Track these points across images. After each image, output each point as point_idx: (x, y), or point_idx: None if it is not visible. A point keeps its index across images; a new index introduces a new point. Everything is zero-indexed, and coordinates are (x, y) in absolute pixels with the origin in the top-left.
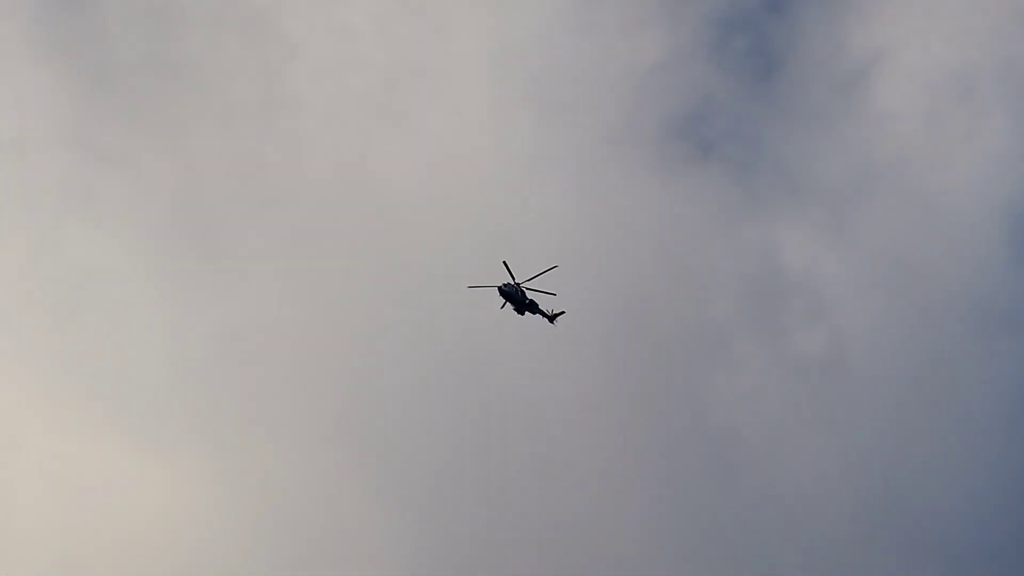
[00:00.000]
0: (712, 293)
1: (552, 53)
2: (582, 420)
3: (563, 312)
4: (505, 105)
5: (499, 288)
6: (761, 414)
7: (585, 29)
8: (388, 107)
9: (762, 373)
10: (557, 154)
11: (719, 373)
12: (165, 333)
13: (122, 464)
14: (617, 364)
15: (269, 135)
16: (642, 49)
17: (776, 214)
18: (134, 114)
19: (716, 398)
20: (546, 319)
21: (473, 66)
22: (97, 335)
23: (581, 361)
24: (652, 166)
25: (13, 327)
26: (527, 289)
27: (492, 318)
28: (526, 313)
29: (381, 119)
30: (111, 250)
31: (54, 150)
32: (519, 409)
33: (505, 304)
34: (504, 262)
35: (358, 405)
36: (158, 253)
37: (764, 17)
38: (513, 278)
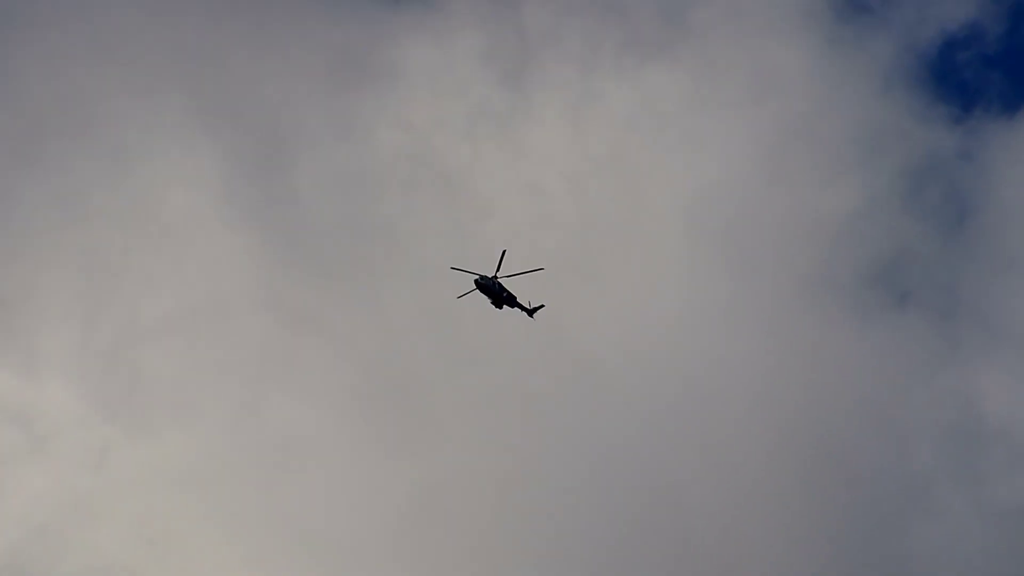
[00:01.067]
0: (911, 441)
1: (746, 203)
2: (779, 565)
3: (542, 306)
4: (699, 256)
5: (475, 282)
6: (962, 564)
7: (778, 178)
8: (581, 262)
9: (963, 522)
10: (752, 304)
11: (919, 522)
12: (366, 492)
13: None
14: (814, 513)
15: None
16: (836, 197)
17: (975, 361)
18: (329, 276)
19: (916, 548)
20: (525, 312)
21: (666, 219)
22: (300, 497)
23: (780, 507)
24: (848, 314)
25: (218, 492)
26: (503, 278)
27: (690, 469)
28: (504, 307)
29: (574, 274)
30: (310, 412)
31: (251, 315)
32: (721, 554)
33: (471, 292)
34: (453, 267)
35: (560, 559)
36: (356, 413)
37: (957, 164)
38: (481, 275)
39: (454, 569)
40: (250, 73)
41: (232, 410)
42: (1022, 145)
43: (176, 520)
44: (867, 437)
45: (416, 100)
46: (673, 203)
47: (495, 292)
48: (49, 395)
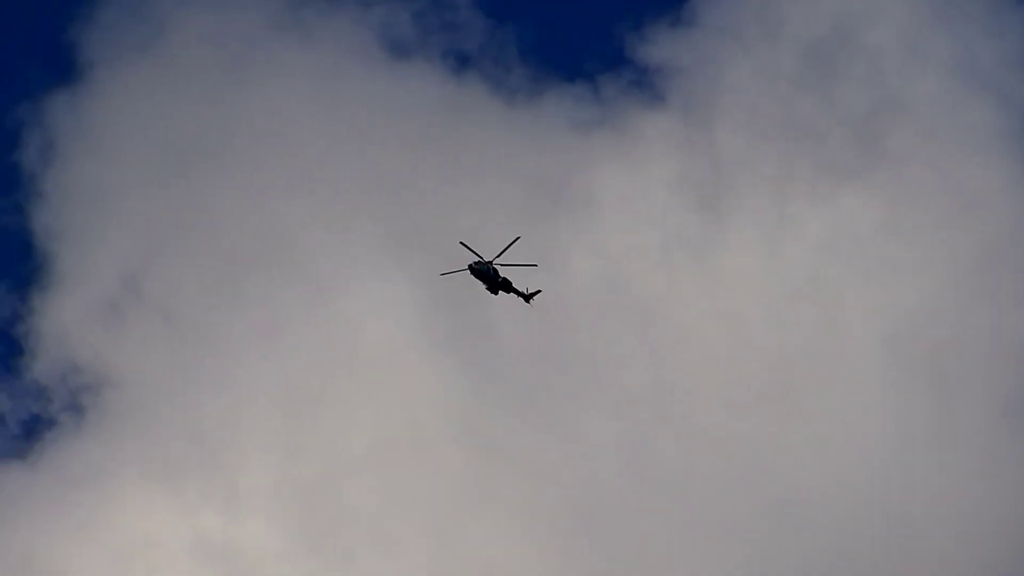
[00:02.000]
0: None
1: (947, 327)
2: None
3: (539, 291)
4: (901, 384)
5: (470, 267)
6: None
7: (980, 301)
8: (779, 392)
9: None
10: (955, 430)
11: None
12: None
13: None
14: None
15: (661, 422)
16: None
17: None
18: (526, 405)
19: None
20: (522, 298)
21: (866, 345)
22: None
23: None
24: None
25: None
26: (500, 265)
27: None
28: (500, 292)
29: (772, 404)
30: (509, 542)
31: (449, 445)
32: None
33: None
34: (462, 242)
35: None
36: (555, 543)
37: None
38: (480, 256)
39: None
40: (446, 202)
41: (432, 541)
42: None
43: None
44: None
45: (610, 227)
46: (873, 329)
47: (490, 277)
48: (250, 531)
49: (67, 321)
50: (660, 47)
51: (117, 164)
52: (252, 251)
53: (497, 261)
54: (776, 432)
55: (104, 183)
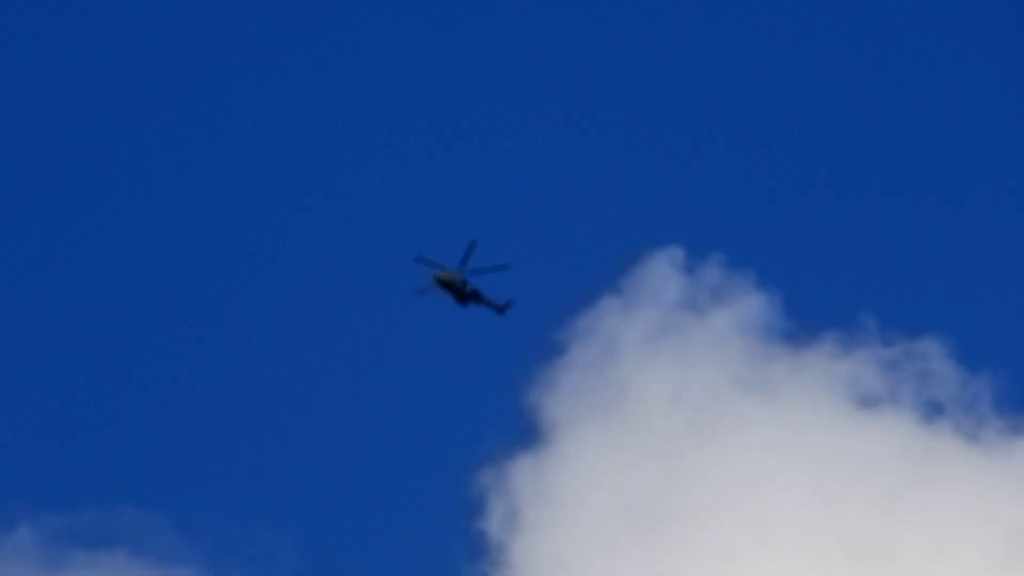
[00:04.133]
0: None
1: None
2: None
3: (512, 301)
4: None
5: (435, 277)
6: None
7: None
8: None
9: None
10: None
11: None
12: None
13: None
14: None
15: None
16: None
17: None
18: None
19: None
20: (493, 309)
21: None
22: None
23: None
24: None
25: None
26: (469, 276)
27: None
28: (469, 303)
29: None
30: None
31: None
32: None
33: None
34: (419, 257)
35: None
36: None
37: None
38: (443, 266)
39: None
40: (917, 555)
41: None
42: None
43: None
44: None
45: None
46: None
47: (457, 287)
48: None
49: None
50: None
51: (578, 530)
52: None
53: (464, 269)
54: None
55: (566, 550)
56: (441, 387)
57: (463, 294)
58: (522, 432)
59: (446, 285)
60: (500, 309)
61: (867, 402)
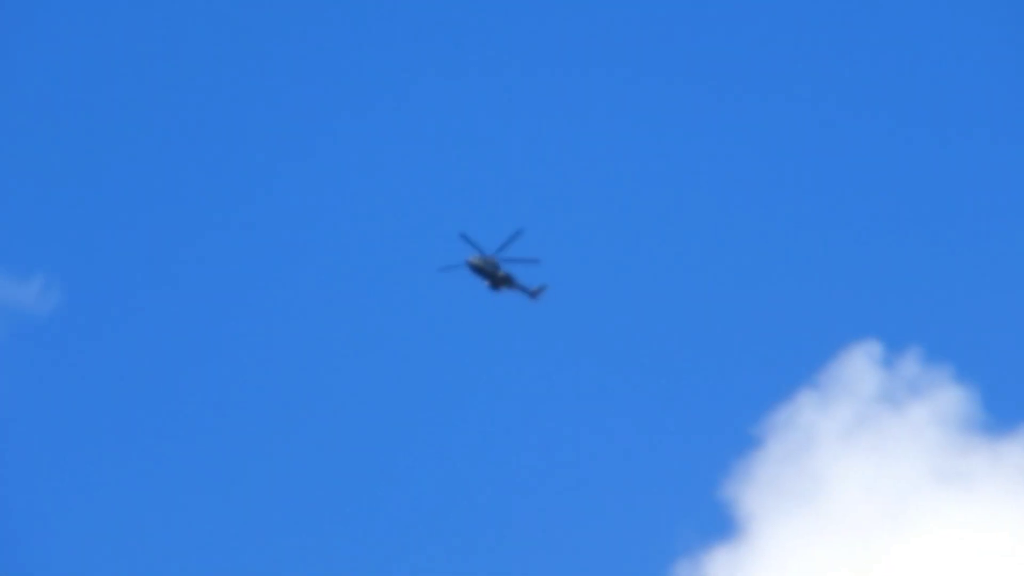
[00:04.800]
0: None
1: None
2: None
3: (546, 286)
4: None
5: (468, 263)
6: None
7: None
8: None
9: None
10: None
11: None
12: None
13: None
14: None
15: None
16: None
17: None
18: None
19: None
20: (526, 295)
21: None
22: None
23: None
24: None
25: None
26: (502, 260)
27: None
28: (502, 288)
29: None
30: None
31: None
32: None
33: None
34: (463, 235)
35: None
36: None
37: None
38: (481, 251)
39: None
40: None
41: None
42: None
43: None
44: None
45: None
46: None
47: (489, 272)
48: None
49: None
50: None
51: None
52: None
53: (499, 255)
54: None
55: None
56: (640, 480)
57: (496, 278)
58: (719, 524)
59: (479, 270)
60: (533, 294)
61: None
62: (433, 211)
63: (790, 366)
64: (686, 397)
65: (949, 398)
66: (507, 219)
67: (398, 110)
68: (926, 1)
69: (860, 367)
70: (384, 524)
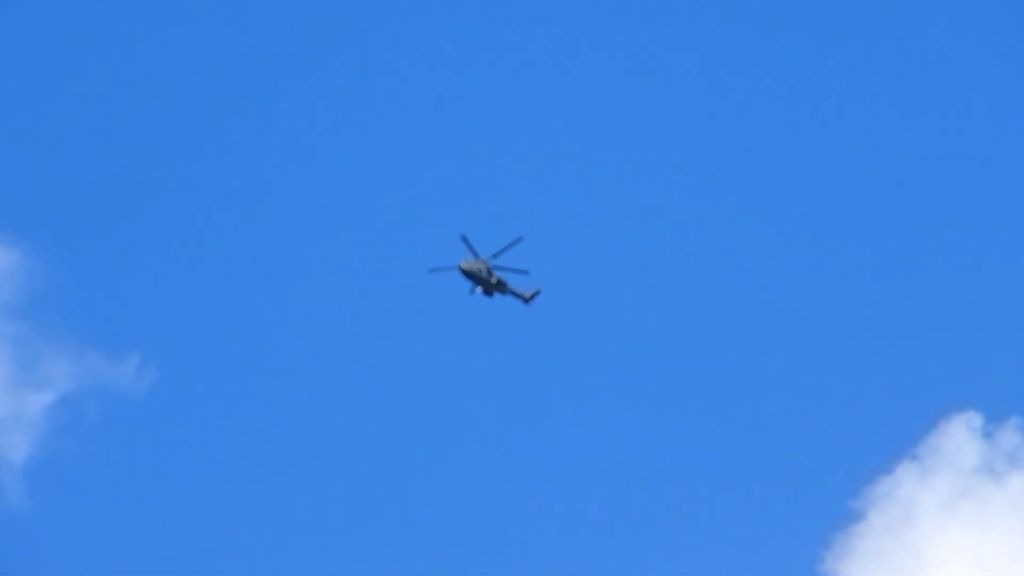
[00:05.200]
0: None
1: None
2: None
3: (539, 291)
4: None
5: (460, 267)
6: None
7: None
8: None
9: None
10: None
11: None
12: None
13: None
14: None
15: None
16: None
17: None
18: None
19: None
20: (519, 300)
21: None
22: None
23: None
24: None
25: None
26: (494, 268)
27: None
28: (495, 294)
29: None
30: None
31: None
32: None
33: (474, 289)
34: (463, 237)
35: None
36: None
37: None
38: (476, 254)
39: None
40: None
41: None
42: None
43: None
44: None
45: None
46: None
47: (482, 277)
48: None
49: None
50: None
51: None
52: None
53: (493, 261)
54: None
55: None
56: (741, 554)
57: (489, 284)
58: None
59: (470, 275)
60: (526, 299)
61: None
62: (433, 211)
63: (890, 438)
64: (787, 470)
65: None
66: (507, 219)
67: (398, 110)
68: (926, 1)
69: (960, 438)
70: (384, 524)
